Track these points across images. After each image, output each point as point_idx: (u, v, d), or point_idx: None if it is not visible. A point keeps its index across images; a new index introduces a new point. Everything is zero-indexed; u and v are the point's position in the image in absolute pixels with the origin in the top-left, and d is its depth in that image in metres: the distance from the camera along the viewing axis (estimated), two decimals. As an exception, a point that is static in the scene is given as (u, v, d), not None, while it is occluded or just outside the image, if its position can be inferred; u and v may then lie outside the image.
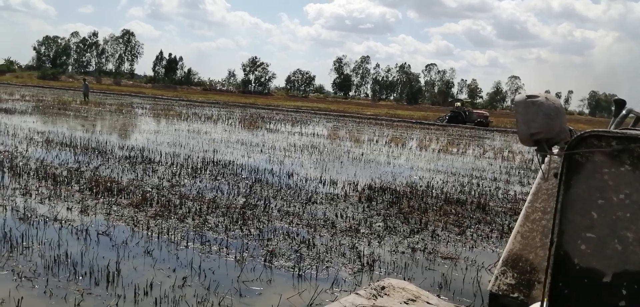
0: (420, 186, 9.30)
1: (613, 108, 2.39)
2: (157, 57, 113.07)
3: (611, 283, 1.58)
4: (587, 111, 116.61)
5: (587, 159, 1.62)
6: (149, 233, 5.32)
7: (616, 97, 2.32)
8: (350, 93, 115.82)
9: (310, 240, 5.44)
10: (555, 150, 1.74)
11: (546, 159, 1.79)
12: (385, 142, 18.67)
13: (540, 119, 1.69)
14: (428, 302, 2.94)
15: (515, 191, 9.72)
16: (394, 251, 5.40)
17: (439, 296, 4.09)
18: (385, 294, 2.95)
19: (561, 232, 1.66)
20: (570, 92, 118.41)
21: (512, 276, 2.07)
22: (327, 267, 4.74)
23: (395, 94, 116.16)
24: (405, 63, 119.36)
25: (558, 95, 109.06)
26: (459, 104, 46.73)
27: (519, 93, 1.88)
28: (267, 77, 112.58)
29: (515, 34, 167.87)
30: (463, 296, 4.34)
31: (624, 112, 2.21)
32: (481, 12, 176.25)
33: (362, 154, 14.11)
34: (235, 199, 7.11)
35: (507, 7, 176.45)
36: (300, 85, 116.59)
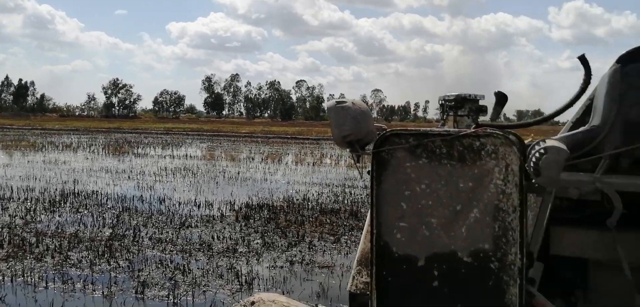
0: (297, 200, 9.45)
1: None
2: (2, 83, 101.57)
3: (425, 266, 1.75)
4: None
5: (392, 155, 1.78)
6: (1, 278, 4.74)
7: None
8: (224, 112, 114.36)
9: (186, 265, 5.25)
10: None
11: (363, 159, 1.93)
12: (262, 159, 18.71)
13: (349, 122, 1.84)
14: None
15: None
16: (272, 266, 5.41)
17: (317, 305, 4.18)
18: (255, 310, 2.94)
19: (379, 224, 1.80)
20: (427, 101, 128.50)
21: (366, 274, 2.19)
22: (204, 291, 4.61)
23: (269, 111, 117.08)
24: (275, 80, 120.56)
25: (417, 105, 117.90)
26: None
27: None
28: (132, 100, 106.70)
29: (374, 50, 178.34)
30: (340, 302, 4.48)
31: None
32: (342, 30, 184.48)
33: (239, 173, 13.98)
34: (101, 231, 6.62)
35: (364, 25, 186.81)
36: (170, 106, 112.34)
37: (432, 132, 1.76)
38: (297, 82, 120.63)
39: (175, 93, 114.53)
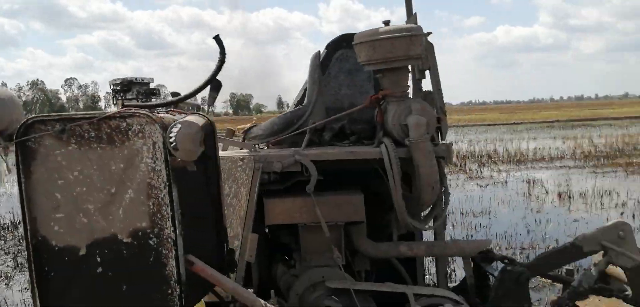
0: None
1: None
2: None
3: (87, 254, 1.75)
4: (231, 111, 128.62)
5: (40, 144, 1.73)
6: None
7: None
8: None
9: None
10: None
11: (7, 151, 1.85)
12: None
13: None
14: None
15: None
16: (25, 289, 4.84)
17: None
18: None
19: (33, 218, 1.75)
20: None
21: None
22: None
23: (34, 115, 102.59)
24: (38, 79, 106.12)
25: (203, 100, 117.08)
26: None
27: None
28: None
29: (154, 43, 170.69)
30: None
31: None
32: (115, 23, 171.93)
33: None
34: None
35: (141, 17, 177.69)
36: None
37: (77, 116, 1.75)
38: (66, 80, 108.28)
39: None
